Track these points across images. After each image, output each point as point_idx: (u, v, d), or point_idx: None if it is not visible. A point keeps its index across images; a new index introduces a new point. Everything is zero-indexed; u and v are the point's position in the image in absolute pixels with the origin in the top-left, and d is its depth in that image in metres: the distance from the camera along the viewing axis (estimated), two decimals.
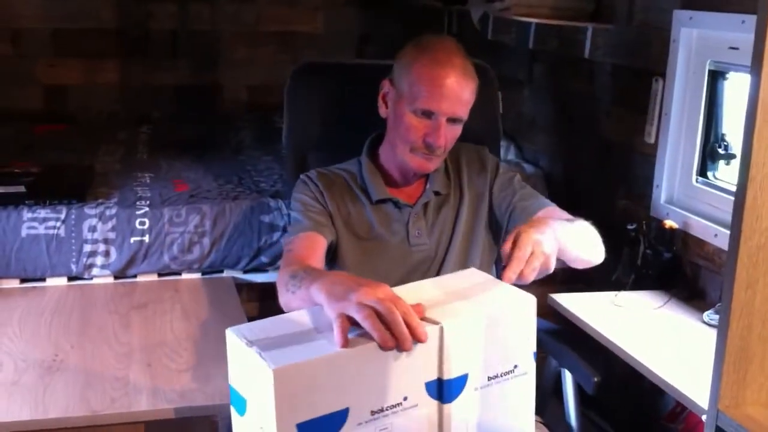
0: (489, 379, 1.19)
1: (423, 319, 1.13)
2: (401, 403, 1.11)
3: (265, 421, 1.05)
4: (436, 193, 1.74)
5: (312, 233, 1.62)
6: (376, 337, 1.07)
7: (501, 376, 1.21)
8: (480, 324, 1.17)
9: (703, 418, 1.39)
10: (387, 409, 1.10)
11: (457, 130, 1.66)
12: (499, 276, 1.27)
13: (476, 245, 1.73)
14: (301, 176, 1.76)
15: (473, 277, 1.32)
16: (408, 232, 1.70)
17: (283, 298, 1.39)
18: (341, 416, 1.07)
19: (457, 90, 1.60)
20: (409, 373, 1.11)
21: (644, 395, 2.24)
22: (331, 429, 1.06)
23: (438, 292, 1.24)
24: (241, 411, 1.13)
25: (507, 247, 1.29)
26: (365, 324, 1.08)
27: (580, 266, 1.62)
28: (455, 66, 1.61)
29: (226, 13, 3.66)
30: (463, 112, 1.64)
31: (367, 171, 1.74)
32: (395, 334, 1.07)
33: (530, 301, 1.23)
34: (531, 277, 1.27)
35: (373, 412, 1.09)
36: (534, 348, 1.24)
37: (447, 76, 1.60)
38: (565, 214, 1.69)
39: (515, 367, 1.22)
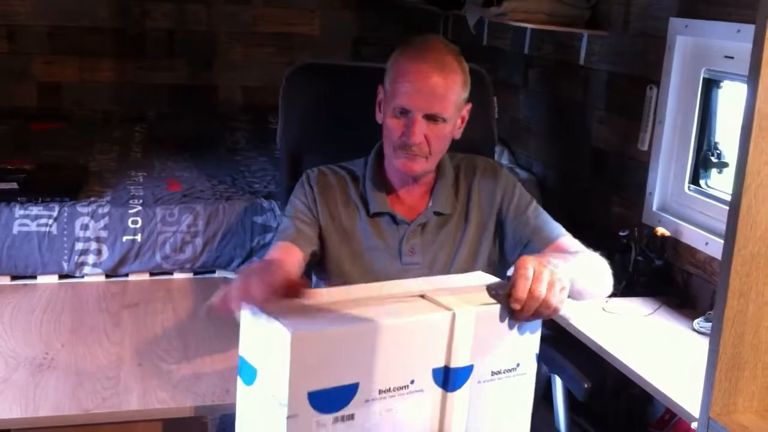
0: (492, 373, 1.21)
1: (436, 303, 1.16)
2: (407, 386, 1.13)
3: (276, 389, 1.07)
4: (438, 214, 1.66)
5: (290, 245, 1.59)
6: None
7: (503, 372, 1.22)
8: (489, 317, 1.18)
9: (693, 425, 1.39)
10: (394, 390, 1.12)
11: (441, 128, 1.58)
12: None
13: (477, 268, 1.64)
14: (305, 173, 1.71)
15: (481, 277, 1.33)
16: (401, 249, 1.64)
17: None
18: (351, 390, 1.09)
19: (431, 85, 1.53)
20: (419, 356, 1.13)
21: (633, 402, 2.24)
22: (340, 402, 1.09)
23: (447, 285, 1.25)
24: (249, 381, 1.15)
25: (520, 288, 1.18)
26: None
27: (586, 299, 1.55)
28: (428, 60, 1.55)
29: (223, 14, 3.66)
30: (441, 108, 1.56)
31: (369, 178, 1.68)
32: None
33: None
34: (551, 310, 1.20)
35: (380, 391, 1.11)
36: (537, 350, 1.25)
37: (418, 71, 1.54)
38: (578, 244, 1.61)
39: (517, 365, 1.23)
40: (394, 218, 1.66)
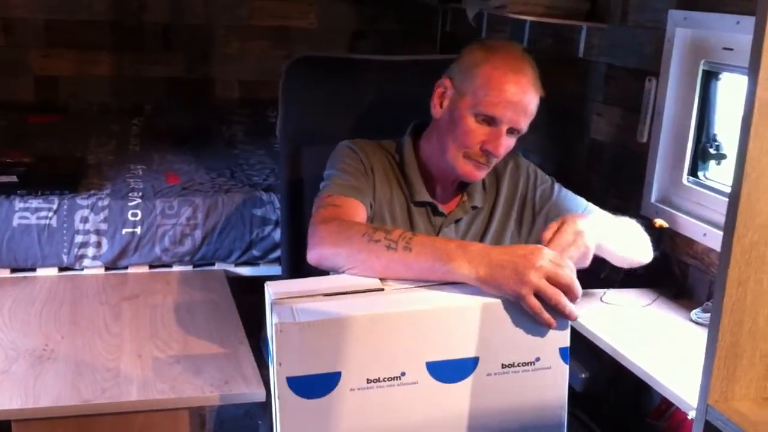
0: (503, 366, 1.21)
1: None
2: (399, 377, 1.15)
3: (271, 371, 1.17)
4: (473, 208, 1.68)
5: (358, 203, 1.51)
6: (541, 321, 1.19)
7: (518, 365, 1.21)
8: (494, 309, 1.19)
9: (690, 414, 1.40)
10: (383, 380, 1.15)
11: (513, 142, 1.59)
12: None
13: None
14: (345, 144, 1.64)
15: None
16: None
17: (358, 247, 1.30)
18: (333, 378, 1.13)
19: (524, 101, 1.53)
20: (411, 348, 1.15)
21: (630, 393, 2.25)
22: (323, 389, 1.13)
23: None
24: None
25: (548, 234, 1.35)
26: (532, 312, 1.19)
27: (625, 265, 1.60)
28: (527, 75, 1.54)
29: (220, 7, 3.65)
30: (524, 125, 1.57)
31: (408, 164, 1.65)
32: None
33: None
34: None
35: (369, 380, 1.15)
36: (563, 344, 1.24)
37: (517, 83, 1.52)
38: (607, 215, 1.66)
39: (537, 359, 1.22)
40: (434, 210, 1.65)
